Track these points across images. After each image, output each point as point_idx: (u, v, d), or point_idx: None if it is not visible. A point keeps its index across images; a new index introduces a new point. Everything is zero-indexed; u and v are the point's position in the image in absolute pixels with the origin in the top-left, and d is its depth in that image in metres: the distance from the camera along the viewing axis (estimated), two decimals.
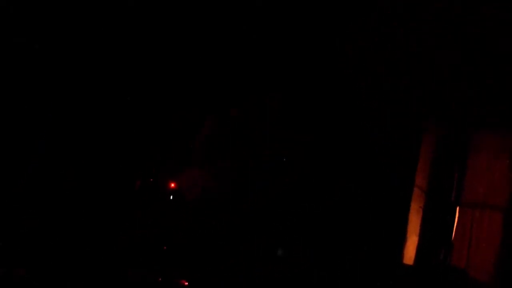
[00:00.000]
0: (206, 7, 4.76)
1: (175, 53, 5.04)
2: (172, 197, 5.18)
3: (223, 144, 5.03)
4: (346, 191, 4.92)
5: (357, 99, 4.98)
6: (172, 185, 5.26)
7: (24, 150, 4.82)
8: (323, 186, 4.97)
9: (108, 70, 4.96)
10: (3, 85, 4.64)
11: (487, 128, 4.41)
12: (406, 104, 4.68)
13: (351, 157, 5.00)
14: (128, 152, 5.12)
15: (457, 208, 4.44)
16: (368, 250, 4.62)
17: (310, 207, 4.93)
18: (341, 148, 5.05)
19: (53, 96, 4.87)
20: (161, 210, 5.13)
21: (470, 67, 4.30)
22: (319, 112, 5.10)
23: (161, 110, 5.21)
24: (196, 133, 5.22)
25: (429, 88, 4.57)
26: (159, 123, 5.26)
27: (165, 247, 4.86)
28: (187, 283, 4.60)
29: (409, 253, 4.50)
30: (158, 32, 4.87)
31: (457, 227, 4.40)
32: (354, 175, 4.94)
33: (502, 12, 4.00)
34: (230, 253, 4.70)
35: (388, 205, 4.55)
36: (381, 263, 4.49)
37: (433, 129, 4.66)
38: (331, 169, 5.03)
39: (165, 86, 5.17)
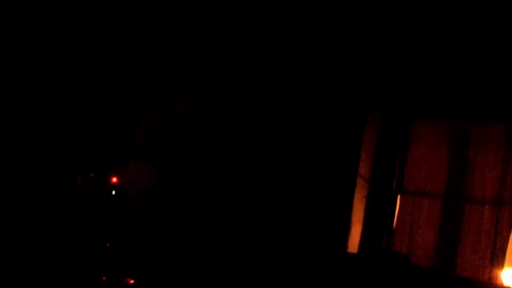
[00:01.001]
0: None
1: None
2: (115, 192, 5.02)
3: (167, 138, 4.93)
4: (289, 184, 4.95)
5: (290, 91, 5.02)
6: (114, 179, 5.10)
7: None
8: (265, 180, 4.99)
9: (41, 63, 4.73)
10: None
11: (426, 120, 4.61)
12: (349, 97, 4.79)
13: (291, 150, 5.03)
14: (66, 148, 4.92)
15: (398, 196, 4.62)
16: (313, 240, 4.69)
17: (255, 199, 4.94)
18: (279, 142, 5.07)
19: None
20: (104, 205, 4.97)
21: (410, 61, 4.48)
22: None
23: (97, 105, 5.05)
24: (136, 127, 5.08)
25: (371, 81, 4.71)
26: (96, 118, 5.09)
27: (108, 244, 4.71)
28: (132, 282, 4.48)
29: (353, 242, 4.63)
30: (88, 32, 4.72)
31: (398, 214, 4.58)
32: (296, 167, 5.00)
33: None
34: (177, 249, 4.62)
35: (332, 196, 4.62)
36: (326, 253, 4.57)
37: (375, 121, 4.80)
38: (272, 165, 5.05)
39: (100, 80, 5.02)
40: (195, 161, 4.86)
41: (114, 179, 5.10)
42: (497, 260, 4.00)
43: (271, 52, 4.84)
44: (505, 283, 3.99)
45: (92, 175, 5.13)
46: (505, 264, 4.00)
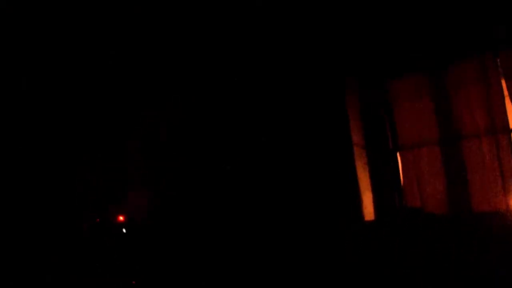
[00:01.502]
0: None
1: None
2: (125, 230, 5.00)
3: (160, 160, 4.93)
4: (290, 169, 4.98)
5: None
6: (121, 218, 5.07)
7: None
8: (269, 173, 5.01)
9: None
10: None
11: (401, 76, 4.68)
12: (322, 72, 4.83)
13: (284, 136, 5.06)
14: (66, 198, 4.90)
15: (398, 154, 4.67)
16: (329, 217, 4.70)
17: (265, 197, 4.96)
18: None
19: None
20: (117, 245, 4.94)
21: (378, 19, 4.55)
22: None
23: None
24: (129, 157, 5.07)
25: (339, 52, 4.76)
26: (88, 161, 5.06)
27: (134, 282, 4.69)
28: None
29: (368, 210, 4.66)
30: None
31: (402, 171, 4.63)
32: (293, 151, 5.01)
33: None
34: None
35: (334, 170, 4.66)
36: (345, 227, 4.59)
37: (354, 90, 4.85)
38: (268, 159, 5.08)
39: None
40: (193, 166, 4.86)
41: (121, 218, 5.08)
42: (509, 187, 4.08)
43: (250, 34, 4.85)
44: None
45: (98, 220, 5.10)
46: None
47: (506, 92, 4.21)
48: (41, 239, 4.49)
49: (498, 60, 4.24)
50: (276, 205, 4.94)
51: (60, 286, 4.23)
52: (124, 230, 5.01)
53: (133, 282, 4.64)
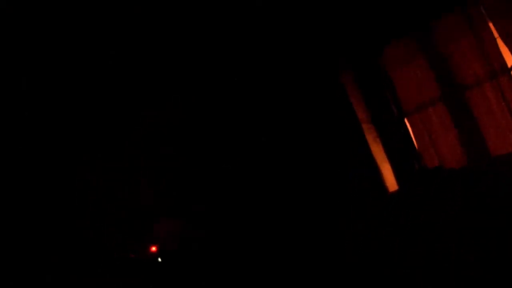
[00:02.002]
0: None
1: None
2: (160, 259, 5.03)
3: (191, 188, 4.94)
4: (304, 160, 5.01)
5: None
6: (153, 248, 5.11)
7: None
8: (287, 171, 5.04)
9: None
10: None
11: (390, 43, 4.71)
12: (314, 57, 4.87)
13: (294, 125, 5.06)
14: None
15: (405, 120, 4.69)
16: (352, 198, 4.72)
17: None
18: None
19: None
20: (156, 276, 4.97)
21: None
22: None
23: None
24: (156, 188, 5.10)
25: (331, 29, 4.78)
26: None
27: None
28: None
29: (390, 181, 4.68)
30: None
31: (414, 135, 4.65)
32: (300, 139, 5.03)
33: None
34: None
35: (348, 152, 4.69)
36: (370, 199, 4.60)
37: (349, 68, 4.89)
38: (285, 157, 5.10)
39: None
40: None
41: (153, 248, 5.11)
42: None
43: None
44: None
45: (132, 256, 5.14)
46: None
47: (496, 34, 4.23)
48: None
49: (481, 5, 4.26)
50: (293, 197, 4.96)
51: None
52: (159, 259, 5.04)
53: None
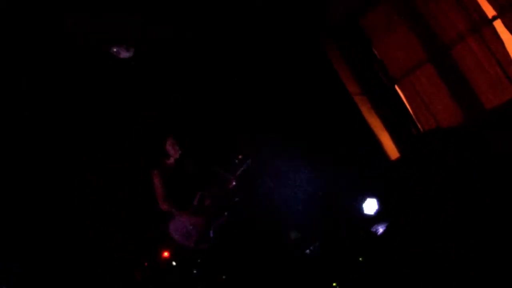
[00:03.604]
0: None
1: None
2: (174, 262, 5.00)
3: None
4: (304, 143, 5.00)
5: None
6: (165, 254, 5.07)
7: None
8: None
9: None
10: None
11: (368, 13, 4.71)
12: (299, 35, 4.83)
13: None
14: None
15: (396, 86, 4.70)
16: (351, 166, 4.68)
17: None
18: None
19: None
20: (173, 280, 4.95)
21: None
22: None
23: None
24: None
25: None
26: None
27: None
28: None
29: (391, 149, 4.70)
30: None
31: (406, 100, 4.66)
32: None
33: None
34: None
35: (344, 126, 4.68)
36: (372, 168, 4.59)
37: (332, 44, 4.89)
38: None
39: None
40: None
41: (166, 253, 5.08)
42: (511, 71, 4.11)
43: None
44: None
45: (146, 264, 5.10)
46: None
47: None
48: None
49: None
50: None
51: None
52: (174, 263, 5.01)
53: None
